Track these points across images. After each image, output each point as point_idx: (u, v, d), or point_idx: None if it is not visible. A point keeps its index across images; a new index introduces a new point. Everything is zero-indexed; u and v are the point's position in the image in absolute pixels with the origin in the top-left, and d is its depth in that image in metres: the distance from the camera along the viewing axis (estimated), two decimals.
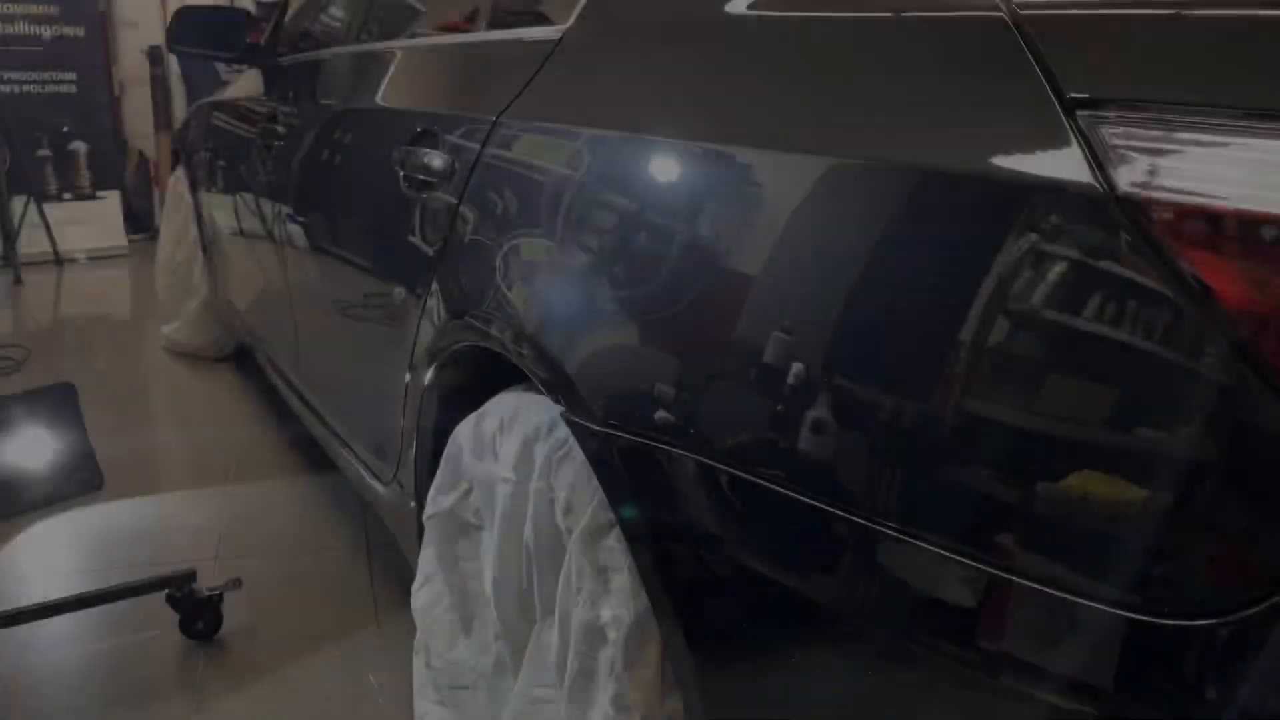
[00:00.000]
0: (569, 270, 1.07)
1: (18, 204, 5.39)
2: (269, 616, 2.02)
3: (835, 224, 0.78)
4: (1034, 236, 0.65)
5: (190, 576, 1.89)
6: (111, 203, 5.96)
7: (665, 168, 0.98)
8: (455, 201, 1.33)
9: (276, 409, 3.01)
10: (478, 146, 1.30)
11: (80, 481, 2.54)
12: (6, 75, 5.54)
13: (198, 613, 1.88)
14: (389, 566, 2.19)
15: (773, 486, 0.81)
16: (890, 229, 0.75)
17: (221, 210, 2.98)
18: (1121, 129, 0.63)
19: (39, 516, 2.43)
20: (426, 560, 1.45)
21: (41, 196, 5.53)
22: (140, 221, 6.30)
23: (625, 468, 0.96)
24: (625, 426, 0.95)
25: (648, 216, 0.97)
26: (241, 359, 3.59)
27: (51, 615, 1.86)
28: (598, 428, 0.98)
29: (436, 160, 1.39)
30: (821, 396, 0.77)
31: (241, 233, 2.72)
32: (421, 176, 1.42)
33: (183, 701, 1.74)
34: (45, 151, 5.71)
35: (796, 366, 0.79)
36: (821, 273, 0.78)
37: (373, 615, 2.02)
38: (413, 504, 1.56)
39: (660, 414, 0.91)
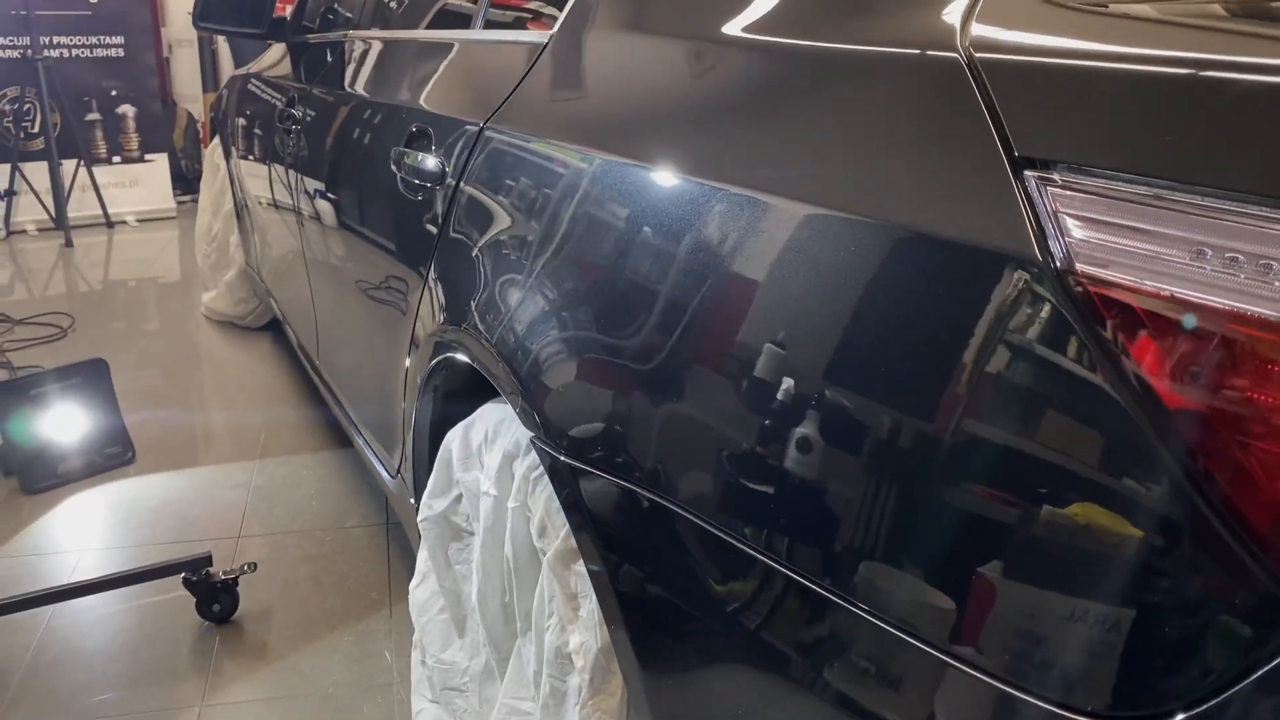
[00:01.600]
0: (539, 297, 1.05)
1: (68, 167, 5.49)
2: (286, 597, 2.05)
3: (790, 270, 0.75)
4: (971, 301, 0.62)
5: (206, 560, 1.92)
6: (160, 165, 6.04)
7: (626, 193, 0.94)
8: (445, 207, 1.32)
9: (308, 382, 3.04)
10: (465, 154, 1.28)
11: (112, 456, 2.59)
12: (55, 39, 5.61)
13: (213, 596, 1.92)
14: (406, 548, 2.22)
15: (725, 536, 0.79)
16: (841, 279, 0.72)
17: (251, 182, 3.00)
18: (1067, 194, 0.59)
19: (70, 491, 2.50)
20: (422, 560, 1.46)
21: (91, 160, 5.63)
22: (189, 184, 6.38)
23: (588, 499, 0.94)
24: (588, 459, 0.93)
25: (614, 249, 0.95)
26: (278, 328, 3.63)
27: (67, 599, 1.91)
28: (564, 458, 0.97)
29: (429, 163, 1.37)
30: (776, 449, 0.74)
31: (266, 206, 2.73)
32: (415, 180, 1.41)
33: (195, 684, 1.78)
34: (94, 115, 5.80)
35: (755, 418, 0.76)
36: (781, 320, 0.76)
37: (387, 598, 2.05)
38: (412, 500, 1.57)
39: (621, 451, 0.90)
